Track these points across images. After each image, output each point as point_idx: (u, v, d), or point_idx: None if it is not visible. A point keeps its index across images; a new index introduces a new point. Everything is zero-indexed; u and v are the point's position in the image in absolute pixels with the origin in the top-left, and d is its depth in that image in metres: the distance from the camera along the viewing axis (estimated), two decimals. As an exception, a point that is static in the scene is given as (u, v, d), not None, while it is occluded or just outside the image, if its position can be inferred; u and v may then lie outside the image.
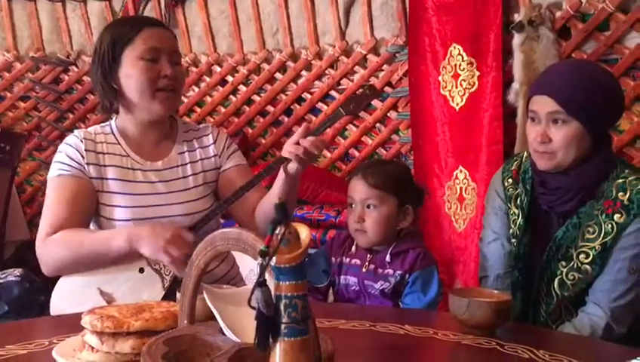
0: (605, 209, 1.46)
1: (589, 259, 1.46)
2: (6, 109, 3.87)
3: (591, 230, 1.46)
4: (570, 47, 2.50)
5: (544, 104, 1.47)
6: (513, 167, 1.64)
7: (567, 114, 1.44)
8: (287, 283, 0.64)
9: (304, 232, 0.66)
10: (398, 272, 1.61)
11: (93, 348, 0.99)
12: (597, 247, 1.45)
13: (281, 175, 1.55)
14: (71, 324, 1.10)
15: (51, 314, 1.55)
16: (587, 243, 1.46)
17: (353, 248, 1.70)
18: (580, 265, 1.47)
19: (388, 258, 1.63)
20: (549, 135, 1.47)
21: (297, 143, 1.46)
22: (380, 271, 1.63)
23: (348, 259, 1.68)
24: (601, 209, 1.46)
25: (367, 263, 1.65)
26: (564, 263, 1.49)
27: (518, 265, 1.57)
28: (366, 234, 1.65)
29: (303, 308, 0.64)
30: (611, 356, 1.24)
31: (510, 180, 1.63)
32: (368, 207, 1.65)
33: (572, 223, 1.49)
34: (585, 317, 1.46)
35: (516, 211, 1.59)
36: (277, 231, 0.64)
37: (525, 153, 1.63)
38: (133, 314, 1.01)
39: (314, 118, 3.31)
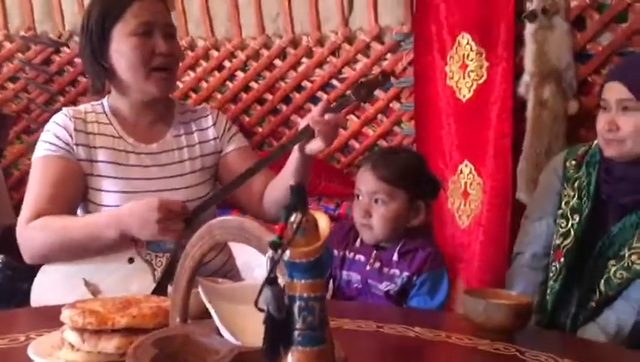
0: None
1: None
2: (-6, 90, 3.75)
3: None
4: (585, 38, 2.39)
5: (614, 91, 1.43)
6: (580, 151, 1.59)
7: (637, 100, 1.39)
8: (303, 281, 0.54)
9: (323, 221, 0.55)
10: (405, 273, 1.49)
11: (73, 346, 0.89)
12: None
13: (294, 158, 1.44)
14: (51, 317, 1.00)
15: (31, 304, 1.44)
16: None
17: (358, 242, 1.58)
18: (630, 264, 1.40)
19: (395, 257, 1.52)
20: (617, 123, 1.43)
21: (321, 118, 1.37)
22: (386, 270, 1.52)
23: (352, 254, 1.57)
24: None
25: (372, 260, 1.54)
26: (614, 261, 1.43)
27: (563, 245, 1.51)
28: (372, 230, 1.53)
29: (320, 312, 0.54)
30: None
31: (573, 162, 1.58)
32: (376, 201, 1.53)
33: (630, 222, 1.42)
34: (611, 315, 1.39)
35: (571, 193, 1.53)
36: (292, 219, 0.53)
37: (596, 141, 1.58)
38: (119, 310, 0.91)
39: (313, 107, 3.20)
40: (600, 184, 1.50)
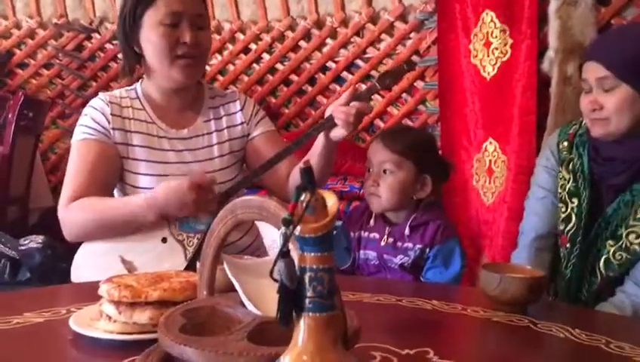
0: None
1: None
2: (30, 77, 3.86)
3: None
4: (610, 13, 2.38)
5: (592, 70, 1.40)
6: (571, 131, 1.57)
7: (615, 78, 1.37)
8: (313, 254, 0.59)
9: (331, 200, 0.60)
10: (418, 246, 1.56)
11: (110, 317, 0.96)
12: None
13: (320, 142, 1.50)
14: (89, 292, 1.07)
15: (72, 281, 1.53)
16: (638, 223, 1.38)
17: (372, 221, 1.65)
18: (628, 244, 1.39)
19: (407, 231, 1.58)
20: (599, 102, 1.40)
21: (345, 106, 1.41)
22: (399, 244, 1.58)
23: (366, 233, 1.64)
24: None
25: (385, 236, 1.60)
26: (611, 242, 1.41)
27: (567, 230, 1.50)
28: (379, 198, 1.61)
29: (329, 282, 0.59)
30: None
31: (565, 143, 1.55)
32: (385, 171, 1.61)
33: (624, 201, 1.41)
34: (625, 297, 1.39)
35: (567, 176, 1.52)
36: (302, 198, 0.59)
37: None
38: (152, 284, 0.98)
39: (338, 88, 3.24)
40: (592, 165, 1.48)
